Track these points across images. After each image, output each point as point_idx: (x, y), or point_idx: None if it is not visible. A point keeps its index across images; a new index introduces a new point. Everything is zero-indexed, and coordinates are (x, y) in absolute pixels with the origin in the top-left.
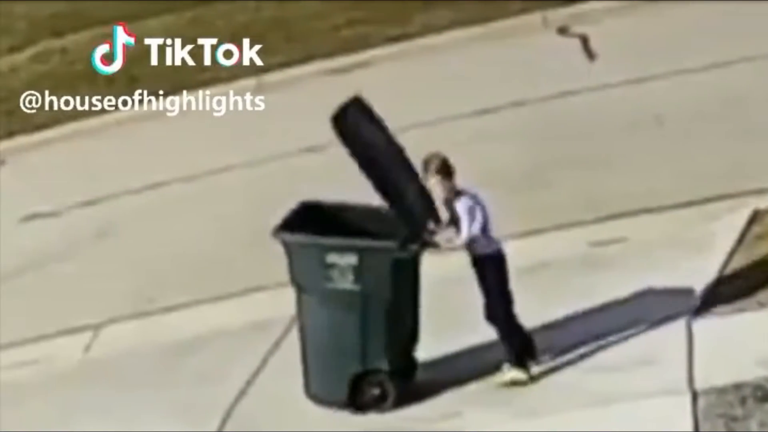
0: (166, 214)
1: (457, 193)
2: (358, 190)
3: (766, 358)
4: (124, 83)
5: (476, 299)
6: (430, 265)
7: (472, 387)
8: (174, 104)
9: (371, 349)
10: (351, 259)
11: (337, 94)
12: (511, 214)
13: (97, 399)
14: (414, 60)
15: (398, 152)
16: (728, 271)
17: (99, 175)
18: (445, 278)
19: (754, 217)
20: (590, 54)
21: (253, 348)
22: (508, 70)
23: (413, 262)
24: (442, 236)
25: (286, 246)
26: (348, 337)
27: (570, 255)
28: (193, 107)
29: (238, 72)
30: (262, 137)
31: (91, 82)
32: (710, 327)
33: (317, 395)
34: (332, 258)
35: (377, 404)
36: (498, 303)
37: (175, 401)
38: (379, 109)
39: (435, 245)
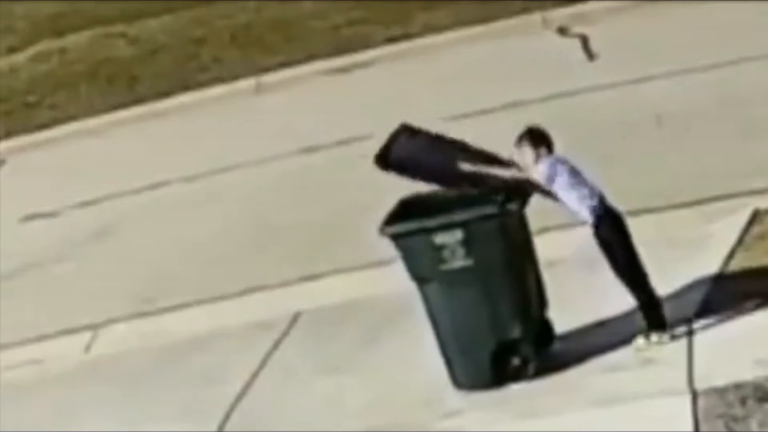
0: (166, 215)
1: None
2: (358, 190)
3: (766, 358)
4: (124, 83)
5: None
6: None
7: None
8: (174, 104)
9: (500, 319)
10: (457, 235)
11: (338, 94)
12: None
13: (96, 399)
14: (414, 60)
15: (460, 149)
16: (728, 271)
17: (99, 175)
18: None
19: (754, 217)
20: (590, 54)
21: (253, 348)
22: (508, 70)
23: (520, 223)
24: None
25: (394, 239)
26: (475, 313)
27: (570, 255)
28: (194, 107)
29: (239, 72)
30: (261, 137)
31: (92, 82)
32: (710, 327)
33: (464, 382)
34: (440, 238)
35: (519, 373)
36: (620, 266)
37: (175, 401)
38: (379, 109)
39: (533, 189)
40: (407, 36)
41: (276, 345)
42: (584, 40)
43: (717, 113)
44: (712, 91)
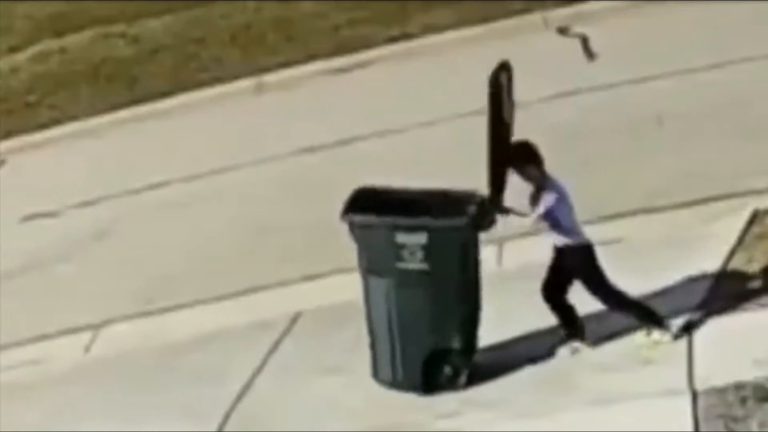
0: (166, 215)
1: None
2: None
3: (766, 358)
4: (124, 83)
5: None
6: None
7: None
8: (174, 104)
9: (443, 328)
10: (420, 238)
11: (338, 95)
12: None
13: (96, 399)
14: (414, 60)
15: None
16: (728, 271)
17: (99, 175)
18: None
19: (754, 218)
20: (590, 54)
21: (253, 348)
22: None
23: (476, 241)
24: (516, 211)
25: (354, 228)
26: (419, 317)
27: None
28: (194, 107)
29: (239, 72)
30: (262, 137)
31: (92, 82)
32: (710, 327)
33: (388, 379)
34: (402, 237)
35: (450, 383)
36: (593, 288)
37: (175, 401)
38: (380, 108)
39: (506, 213)
40: (407, 36)
41: (276, 345)
42: (584, 40)
43: (717, 113)
44: (712, 91)
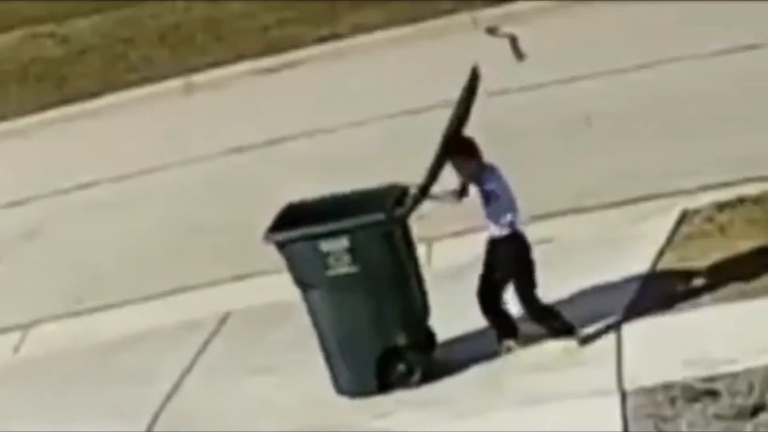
0: (96, 215)
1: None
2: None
3: (695, 358)
4: (53, 83)
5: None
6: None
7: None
8: (103, 104)
9: (385, 326)
10: (343, 242)
11: (267, 95)
12: (440, 214)
13: (25, 399)
14: (344, 60)
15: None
16: (657, 271)
17: (28, 175)
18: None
19: (683, 218)
20: (519, 54)
21: (182, 348)
22: (438, 70)
23: (404, 231)
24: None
25: (280, 246)
26: (360, 320)
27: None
28: (123, 107)
29: (168, 72)
30: (191, 137)
31: (20, 82)
32: (639, 327)
33: (348, 389)
34: (325, 245)
35: (404, 380)
36: (519, 284)
37: (104, 401)
38: (309, 108)
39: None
40: (336, 36)
41: (205, 345)
42: (513, 41)
43: (646, 113)
44: (641, 91)
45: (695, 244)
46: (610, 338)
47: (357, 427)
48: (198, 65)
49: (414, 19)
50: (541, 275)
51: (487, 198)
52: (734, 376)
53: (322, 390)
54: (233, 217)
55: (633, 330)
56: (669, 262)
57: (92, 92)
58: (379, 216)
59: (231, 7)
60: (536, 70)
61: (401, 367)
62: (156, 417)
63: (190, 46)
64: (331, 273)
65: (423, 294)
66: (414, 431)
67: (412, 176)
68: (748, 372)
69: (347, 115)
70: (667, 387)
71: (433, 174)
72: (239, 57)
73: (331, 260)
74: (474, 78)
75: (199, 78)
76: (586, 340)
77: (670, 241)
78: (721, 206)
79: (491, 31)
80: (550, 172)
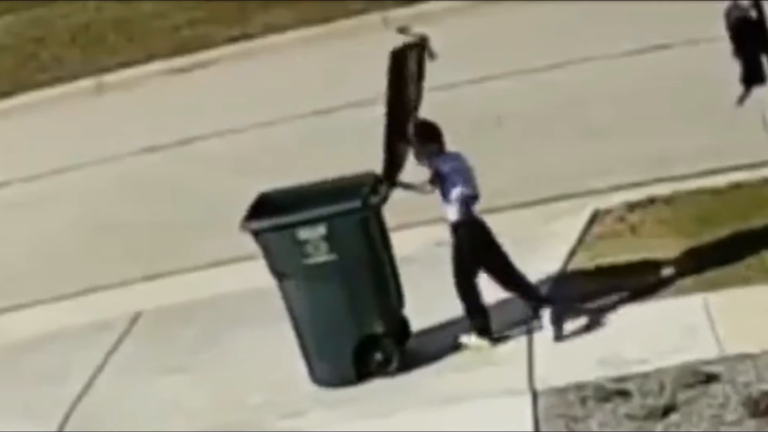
0: (7, 215)
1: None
2: (199, 190)
3: (606, 358)
4: None
5: None
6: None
7: (314, 387)
8: (14, 104)
9: (363, 314)
10: (320, 230)
11: (178, 94)
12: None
13: None
14: (255, 60)
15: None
16: (568, 271)
17: None
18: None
19: (594, 217)
20: (430, 54)
21: (93, 348)
22: (349, 70)
23: (378, 219)
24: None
25: (256, 235)
26: (337, 309)
27: (414, 254)
28: (34, 107)
29: (79, 72)
30: (102, 137)
31: None
32: (551, 327)
33: (324, 379)
34: (302, 233)
35: (382, 369)
36: (457, 270)
37: (14, 401)
38: (220, 108)
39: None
40: (247, 36)
41: (116, 345)
42: (424, 41)
43: (557, 113)
44: (552, 91)
45: (606, 244)
46: (521, 338)
47: (266, 426)
48: (109, 65)
49: (325, 19)
50: (451, 276)
51: (439, 181)
52: (645, 376)
53: (232, 389)
54: (145, 217)
55: (544, 330)
56: (580, 262)
57: (3, 92)
58: (356, 203)
59: (142, 7)
60: (447, 70)
61: (378, 356)
62: (67, 417)
63: (101, 46)
64: (309, 261)
65: (397, 282)
66: (322, 431)
67: (324, 175)
68: (660, 372)
69: (258, 115)
70: (578, 387)
71: (390, 157)
72: (150, 57)
73: (308, 248)
74: (396, 61)
75: (110, 78)
76: (498, 340)
77: (581, 240)
78: (632, 206)
79: (402, 31)
80: None
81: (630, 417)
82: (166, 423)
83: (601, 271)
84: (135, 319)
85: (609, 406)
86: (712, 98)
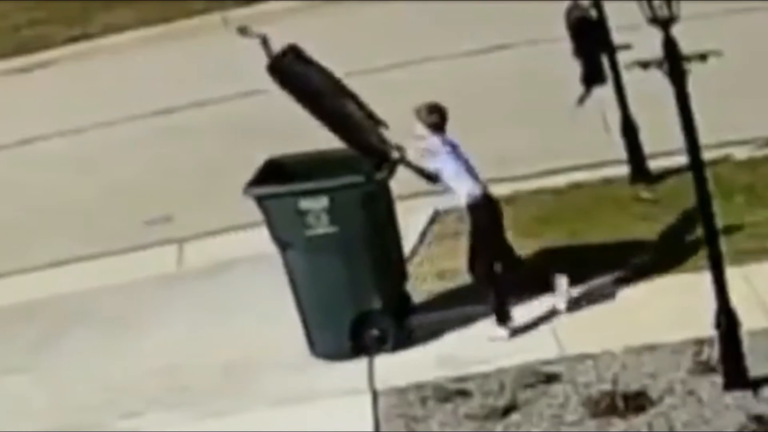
0: None
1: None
2: (40, 190)
3: (446, 358)
4: None
5: None
6: None
7: (154, 388)
8: None
9: (361, 289)
10: (323, 202)
11: (19, 95)
12: (196, 214)
13: None
14: (95, 60)
15: (341, 88)
16: (409, 270)
17: None
18: None
19: (435, 217)
20: (270, 54)
21: None
22: (190, 69)
23: (384, 195)
24: (412, 152)
25: (259, 201)
26: (336, 282)
27: (254, 255)
28: None
29: None
30: None
31: None
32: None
33: (323, 352)
34: (305, 204)
35: (378, 346)
36: (475, 255)
37: None
38: (61, 108)
39: (404, 163)
40: (88, 36)
41: None
42: (265, 41)
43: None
44: (392, 91)
45: (446, 244)
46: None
47: (104, 427)
48: None
49: (165, 19)
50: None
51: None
52: (485, 375)
53: (69, 390)
54: None
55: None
56: (421, 261)
57: None
58: (359, 177)
59: None
60: None
61: (375, 332)
62: None
63: None
64: (310, 233)
65: (400, 259)
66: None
67: (166, 175)
68: (500, 372)
69: (99, 115)
70: (418, 387)
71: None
72: None
73: (310, 219)
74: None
75: None
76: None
77: (422, 240)
78: None
79: (242, 31)
80: None
81: (470, 417)
82: (4, 424)
83: (440, 271)
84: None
85: (449, 406)
86: (553, 98)
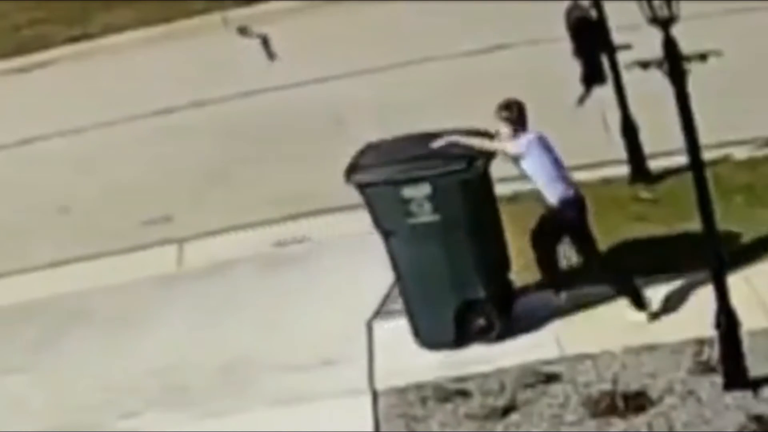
0: None
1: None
2: (41, 190)
3: (446, 358)
4: None
5: None
6: None
7: (153, 388)
8: None
9: (464, 277)
10: (425, 189)
11: (19, 95)
12: (194, 214)
13: None
14: (95, 59)
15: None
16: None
17: None
18: None
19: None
20: (270, 54)
21: None
22: (190, 69)
23: (484, 182)
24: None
25: (362, 189)
26: (439, 270)
27: (253, 255)
28: None
29: None
30: None
31: None
32: (390, 327)
33: (428, 340)
34: (407, 192)
35: (483, 335)
36: (583, 248)
37: None
38: (61, 108)
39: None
40: (88, 36)
41: None
42: (264, 41)
43: (394, 115)
44: (392, 91)
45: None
46: (361, 338)
47: (105, 427)
48: None
49: (166, 19)
50: (295, 275)
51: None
52: (485, 376)
53: (69, 390)
54: None
55: (384, 330)
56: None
57: None
58: (459, 164)
59: None
60: (287, 70)
61: (480, 321)
62: None
63: None
64: (413, 221)
65: (503, 247)
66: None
67: (166, 175)
68: (500, 372)
69: (99, 115)
70: (418, 387)
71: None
72: None
73: (412, 207)
74: None
75: None
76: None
77: None
78: None
79: (242, 31)
80: (301, 171)
81: (470, 417)
82: (6, 423)
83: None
84: None
85: (449, 406)
86: (553, 98)
